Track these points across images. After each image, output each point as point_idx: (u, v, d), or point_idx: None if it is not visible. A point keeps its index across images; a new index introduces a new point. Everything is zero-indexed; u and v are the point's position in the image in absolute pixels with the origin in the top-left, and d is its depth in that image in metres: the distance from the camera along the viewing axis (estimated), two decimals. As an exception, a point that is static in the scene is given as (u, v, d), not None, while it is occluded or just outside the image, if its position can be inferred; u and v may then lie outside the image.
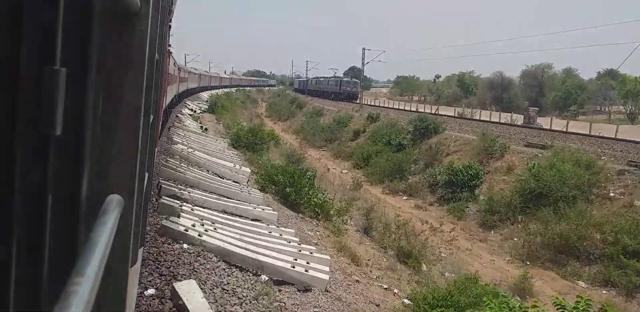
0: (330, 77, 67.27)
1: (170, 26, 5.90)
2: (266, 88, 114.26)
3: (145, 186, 2.34)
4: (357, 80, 58.40)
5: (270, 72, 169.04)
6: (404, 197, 23.83)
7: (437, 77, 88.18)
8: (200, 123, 26.16)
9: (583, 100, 58.43)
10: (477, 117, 38.18)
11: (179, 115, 24.76)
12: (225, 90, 74.74)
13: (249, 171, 14.42)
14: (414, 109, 49.32)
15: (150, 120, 2.40)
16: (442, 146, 26.45)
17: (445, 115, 35.37)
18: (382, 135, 32.09)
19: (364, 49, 44.73)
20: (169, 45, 9.05)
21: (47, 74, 0.77)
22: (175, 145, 14.57)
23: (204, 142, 17.60)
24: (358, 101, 53.19)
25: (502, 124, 33.45)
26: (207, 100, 48.36)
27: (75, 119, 0.92)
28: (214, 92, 59.85)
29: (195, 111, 32.57)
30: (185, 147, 14.45)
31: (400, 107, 50.81)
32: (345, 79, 58.81)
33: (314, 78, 75.04)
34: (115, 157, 1.29)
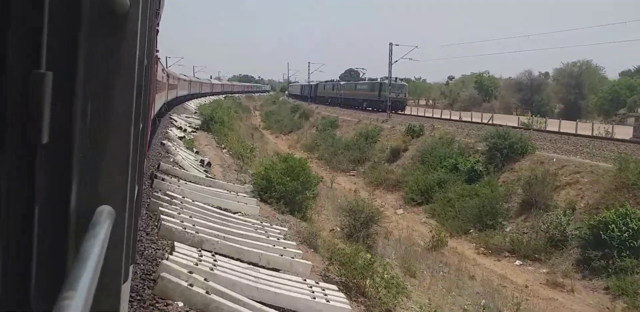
0: (360, 81, 53.59)
1: (157, 30, 5.40)
2: (256, 94, 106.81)
3: (136, 198, 2.28)
4: (404, 84, 45.72)
5: (259, 77, 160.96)
6: (517, 262, 15.87)
7: (450, 78, 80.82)
8: (196, 151, 18.00)
9: (633, 103, 51.27)
10: (543, 127, 30.46)
11: (164, 142, 16.59)
12: (213, 97, 68.14)
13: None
14: (436, 115, 41.59)
15: (140, 129, 2.31)
16: (549, 175, 18.59)
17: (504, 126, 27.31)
18: (440, 157, 24.21)
19: (391, 44, 37.02)
20: (157, 51, 7.32)
21: (32, 78, 0.76)
22: (166, 224, 6.73)
23: (215, 202, 9.60)
24: (402, 112, 43.59)
25: (595, 137, 25.75)
26: (195, 112, 40.44)
27: (63, 126, 0.92)
28: (201, 100, 54.42)
29: (185, 130, 24.43)
30: (187, 230, 6.63)
31: (427, 114, 42.97)
32: (387, 81, 43.38)
33: (329, 82, 64.67)
34: (105, 167, 1.26)
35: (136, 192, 2.29)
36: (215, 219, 8.03)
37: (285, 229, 8.84)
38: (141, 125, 2.45)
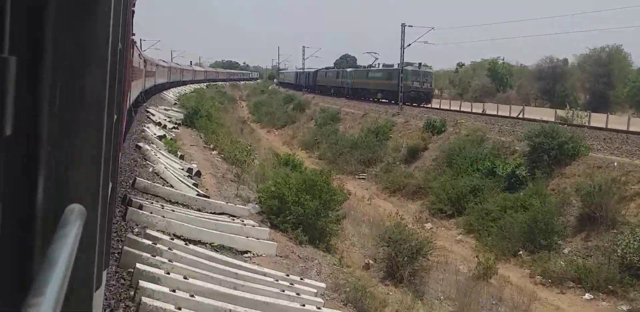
0: (373, 67, 46.64)
1: (133, 12, 5.43)
2: (241, 83, 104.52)
3: (109, 196, 2.30)
4: (429, 71, 40.84)
5: (244, 63, 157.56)
6: (586, 295, 13.73)
7: (460, 65, 78.61)
8: (180, 155, 15.67)
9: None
10: (585, 123, 28.34)
11: (141, 144, 14.25)
12: (194, 86, 65.81)
13: None
14: (446, 106, 39.15)
15: (114, 121, 2.34)
16: (615, 184, 16.46)
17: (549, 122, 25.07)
18: (471, 159, 22.02)
19: (403, 25, 34.55)
20: (133, 34, 7.79)
21: None
22: (151, 307, 4.36)
23: (215, 238, 7.37)
24: (429, 105, 39.68)
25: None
26: (175, 103, 38.10)
27: (28, 117, 0.92)
28: (181, 90, 52.76)
29: (164, 126, 22.05)
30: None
31: (441, 107, 40.69)
32: (409, 68, 38.23)
33: (331, 69, 60.87)
34: (76, 161, 1.23)
35: (110, 189, 2.30)
36: (221, 276, 5.73)
37: (323, 285, 6.54)
38: (115, 116, 2.45)
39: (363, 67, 51.21)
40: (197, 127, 25.09)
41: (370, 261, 11.37)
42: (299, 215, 9.90)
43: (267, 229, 8.86)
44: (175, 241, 6.46)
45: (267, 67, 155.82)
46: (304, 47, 68.63)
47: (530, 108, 41.12)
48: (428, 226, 19.32)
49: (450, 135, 26.09)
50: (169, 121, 25.50)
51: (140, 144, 14.39)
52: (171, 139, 18.51)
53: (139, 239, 6.02)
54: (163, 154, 14.22)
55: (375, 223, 16.39)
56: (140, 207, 7.42)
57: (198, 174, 13.20)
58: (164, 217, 7.34)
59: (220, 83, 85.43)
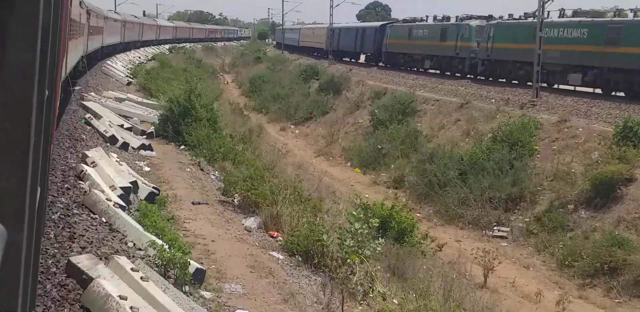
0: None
1: None
2: (219, 44, 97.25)
3: (37, 208, 2.20)
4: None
5: (221, 15, 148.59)
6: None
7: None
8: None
9: None
10: None
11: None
12: (153, 48, 60.93)
13: None
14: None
15: (45, 98, 2.27)
16: None
17: None
18: None
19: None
20: None
21: None
22: None
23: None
24: None
25: None
26: (129, 82, 30.49)
27: None
28: (136, 55, 51.04)
29: (123, 145, 13.82)
30: None
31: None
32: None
33: (420, 23, 44.76)
34: None
35: (38, 199, 2.21)
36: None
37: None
38: (47, 92, 2.40)
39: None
40: (186, 141, 16.87)
41: None
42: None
43: None
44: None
45: (255, 21, 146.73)
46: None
47: None
48: None
49: None
50: (124, 129, 17.20)
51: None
52: (152, 200, 10.30)
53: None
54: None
55: None
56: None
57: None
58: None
59: (186, 45, 77.48)
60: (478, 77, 35.85)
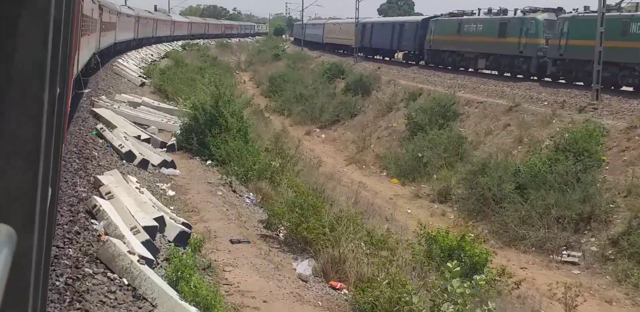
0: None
1: None
2: (233, 40, 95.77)
3: (48, 210, 2.13)
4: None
5: (235, 10, 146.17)
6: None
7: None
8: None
9: None
10: None
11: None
12: (167, 46, 59.90)
13: None
14: None
15: (56, 96, 2.24)
16: None
17: None
18: None
19: None
20: None
21: None
22: None
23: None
24: None
25: None
26: (143, 82, 28.84)
27: None
28: (149, 52, 50.46)
29: (141, 162, 11.65)
30: None
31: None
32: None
33: (472, 17, 40.72)
34: (1, 157, 1.20)
35: (49, 200, 2.16)
36: None
37: None
38: (58, 89, 2.36)
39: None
40: (213, 155, 14.64)
41: None
42: None
43: None
44: None
45: (270, 16, 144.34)
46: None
47: None
48: None
49: None
50: (144, 140, 14.99)
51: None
52: (184, 242, 8.04)
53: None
54: None
55: None
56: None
57: None
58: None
59: (199, 41, 75.70)
60: (544, 79, 31.67)
